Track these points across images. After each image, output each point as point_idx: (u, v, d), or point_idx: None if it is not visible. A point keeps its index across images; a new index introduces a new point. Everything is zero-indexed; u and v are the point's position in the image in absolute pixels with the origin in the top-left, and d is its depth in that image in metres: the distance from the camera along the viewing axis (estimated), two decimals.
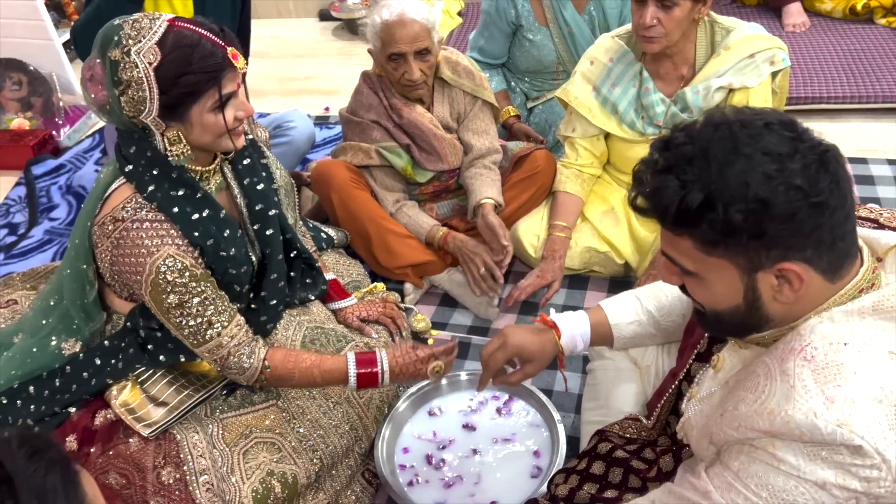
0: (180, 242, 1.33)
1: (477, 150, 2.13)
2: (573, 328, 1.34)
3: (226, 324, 1.38)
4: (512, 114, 2.52)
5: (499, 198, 2.06)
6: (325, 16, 4.11)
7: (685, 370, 1.23)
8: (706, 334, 1.18)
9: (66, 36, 3.28)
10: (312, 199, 2.36)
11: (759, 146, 0.83)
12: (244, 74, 1.38)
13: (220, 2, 2.23)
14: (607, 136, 2.07)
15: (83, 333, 1.48)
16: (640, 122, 1.97)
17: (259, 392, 1.50)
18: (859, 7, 3.33)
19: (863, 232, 0.99)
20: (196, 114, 1.30)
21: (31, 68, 3.08)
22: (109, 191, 1.36)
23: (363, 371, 1.44)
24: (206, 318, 1.36)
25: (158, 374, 1.46)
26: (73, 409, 1.45)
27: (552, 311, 1.40)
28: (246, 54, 2.49)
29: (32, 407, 1.45)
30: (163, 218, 1.33)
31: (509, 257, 1.98)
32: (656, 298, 1.36)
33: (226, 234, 1.40)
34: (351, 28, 3.89)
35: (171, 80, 1.25)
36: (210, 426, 1.43)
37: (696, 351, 1.20)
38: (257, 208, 1.50)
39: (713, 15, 1.91)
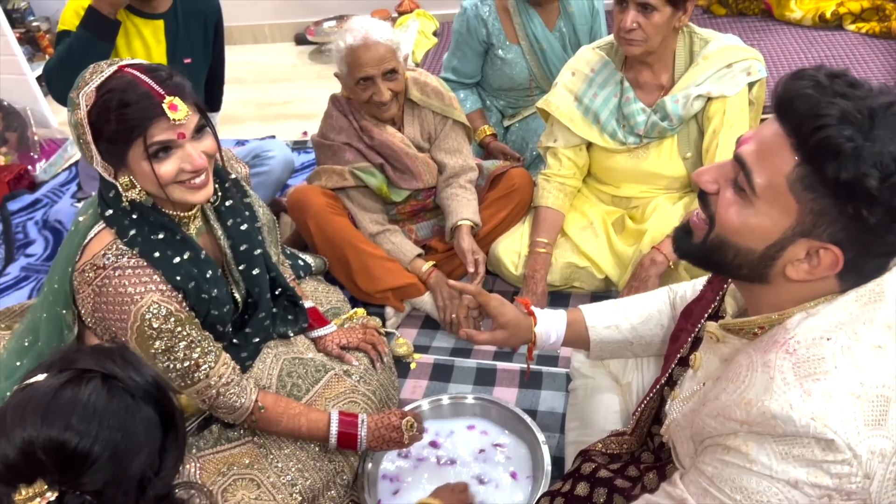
0: (164, 288, 1.32)
1: (451, 168, 2.13)
2: (549, 320, 1.35)
3: (213, 364, 1.37)
4: (488, 133, 2.53)
5: (475, 218, 2.06)
6: (301, 40, 4.13)
7: (667, 375, 1.22)
8: (689, 339, 1.16)
9: (41, 69, 3.26)
10: (291, 226, 2.35)
11: None
12: (204, 119, 1.31)
13: (192, 36, 2.23)
14: (589, 146, 2.08)
15: None
16: (621, 131, 1.99)
17: (236, 428, 1.48)
18: (828, 14, 3.37)
19: None
20: (132, 161, 1.26)
21: (5, 103, 3.07)
22: (90, 236, 1.34)
23: (344, 430, 1.46)
24: (193, 361, 1.35)
25: None
26: None
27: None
28: (219, 90, 2.49)
29: None
30: (145, 264, 1.31)
31: (478, 279, 1.98)
32: (635, 307, 1.36)
33: (207, 276, 1.39)
34: (324, 50, 3.91)
35: (99, 125, 1.23)
36: (187, 464, 1.41)
37: (678, 356, 1.20)
38: (242, 248, 1.49)
39: (692, 26, 1.94)
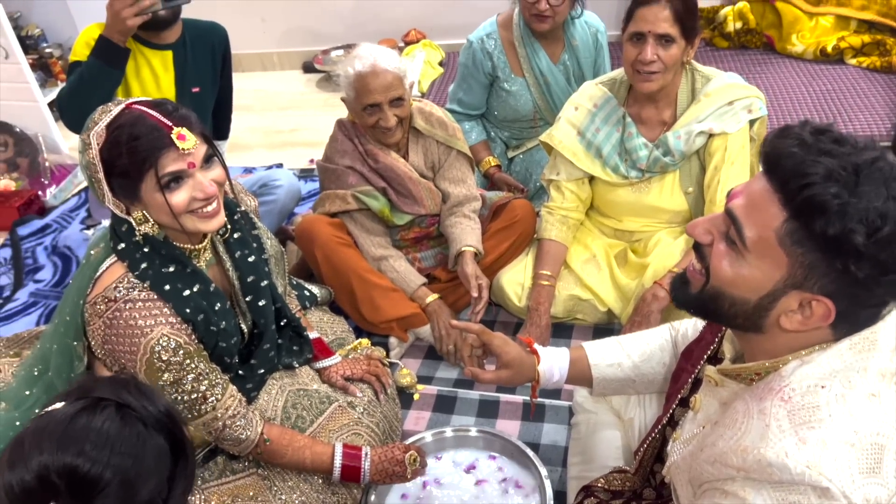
0: (174, 320, 1.34)
1: (455, 197, 2.16)
2: (552, 358, 1.37)
3: (220, 396, 1.39)
4: (493, 164, 2.56)
5: (479, 246, 2.09)
6: (308, 68, 4.18)
7: (668, 415, 1.23)
8: (690, 380, 1.18)
9: (53, 96, 3.32)
10: (297, 254, 2.37)
11: None
12: (212, 148, 1.34)
13: (200, 66, 2.27)
14: (591, 179, 2.10)
15: None
16: (623, 165, 2.01)
17: (241, 460, 1.50)
18: (829, 48, 3.42)
19: None
20: (145, 194, 1.29)
21: (17, 129, 3.12)
22: (101, 269, 1.36)
23: (348, 463, 1.47)
24: (200, 393, 1.36)
25: None
26: None
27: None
28: (227, 119, 2.53)
29: None
30: (155, 297, 1.33)
31: (482, 304, 2.00)
32: (638, 345, 1.37)
33: (216, 308, 1.41)
34: (333, 76, 3.96)
35: (111, 162, 1.26)
36: (192, 496, 1.42)
37: (679, 396, 1.21)
38: (249, 280, 1.51)
39: (694, 63, 1.97)
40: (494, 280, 2.13)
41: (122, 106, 1.28)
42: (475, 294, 1.99)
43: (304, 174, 3.12)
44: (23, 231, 2.84)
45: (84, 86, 2.01)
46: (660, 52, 1.81)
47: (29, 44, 3.76)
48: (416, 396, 1.96)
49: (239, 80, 4.22)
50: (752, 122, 1.96)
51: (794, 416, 0.85)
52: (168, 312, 1.34)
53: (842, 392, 0.85)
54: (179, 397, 1.35)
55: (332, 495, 1.50)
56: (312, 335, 1.74)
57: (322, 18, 4.17)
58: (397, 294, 2.09)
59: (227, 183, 1.40)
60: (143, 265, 1.34)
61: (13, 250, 2.75)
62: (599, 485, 1.37)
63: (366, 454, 1.48)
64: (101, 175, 1.28)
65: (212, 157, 1.34)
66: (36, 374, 1.53)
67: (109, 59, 2.03)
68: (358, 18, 4.15)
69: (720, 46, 3.74)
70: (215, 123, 2.46)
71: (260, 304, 1.52)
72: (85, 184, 3.10)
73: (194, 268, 1.40)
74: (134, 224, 1.32)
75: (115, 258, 1.36)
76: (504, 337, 1.39)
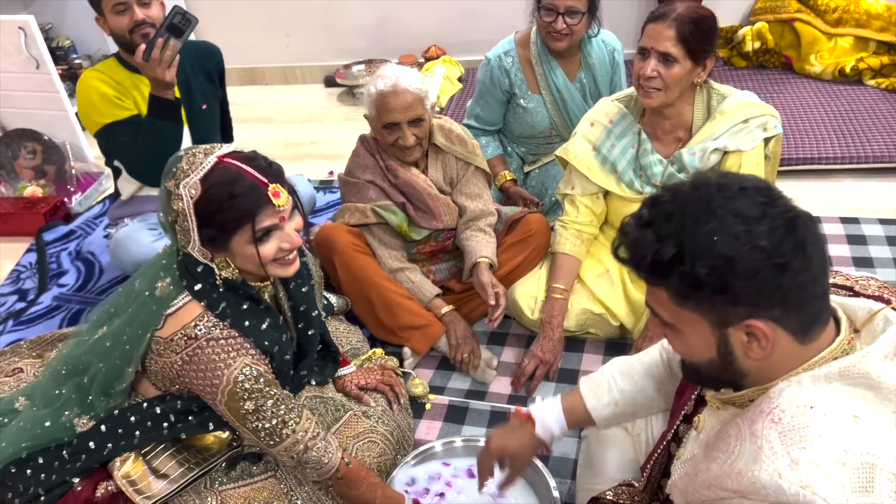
0: (254, 352, 1.39)
1: (471, 212, 2.19)
2: (547, 416, 1.37)
3: (298, 420, 1.42)
4: (508, 178, 2.59)
5: (494, 258, 2.12)
6: (330, 82, 4.24)
7: (673, 431, 1.25)
8: (693, 397, 1.20)
9: None
10: (316, 262, 2.41)
11: (732, 208, 0.88)
12: (296, 200, 1.40)
13: (203, 86, 2.34)
14: (606, 194, 2.12)
15: (97, 411, 1.51)
16: (638, 181, 2.03)
17: (258, 464, 1.52)
18: (848, 69, 3.42)
19: (841, 300, 1.02)
20: (235, 245, 1.34)
21: (46, 137, 3.19)
22: (175, 306, 1.39)
23: None
24: (280, 418, 1.40)
25: (161, 446, 1.49)
26: (76, 480, 1.47)
27: (538, 398, 1.43)
28: (230, 126, 2.57)
29: (42, 476, 1.47)
30: (236, 334, 1.38)
31: (499, 311, 2.02)
32: (630, 377, 1.37)
33: (284, 339, 1.46)
34: (355, 94, 4.02)
35: (207, 217, 1.30)
36: (208, 498, 1.45)
37: (683, 412, 1.23)
38: (301, 309, 1.56)
39: (710, 81, 1.99)
40: (508, 293, 2.15)
41: (215, 159, 1.31)
42: (492, 302, 2.01)
43: (324, 186, 3.17)
44: (48, 236, 2.91)
45: (156, 146, 2.04)
46: (660, 69, 1.83)
47: (59, 54, 3.85)
48: (427, 406, 1.98)
49: (261, 93, 4.32)
50: (767, 140, 1.97)
51: (785, 437, 0.87)
52: (248, 346, 1.39)
53: (829, 413, 0.88)
54: (260, 425, 1.39)
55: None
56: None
57: (344, 34, 4.24)
58: (413, 303, 2.12)
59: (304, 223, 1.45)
60: (223, 305, 1.38)
61: (38, 255, 2.82)
62: (608, 497, 1.38)
63: None
64: (193, 226, 1.31)
65: (294, 208, 1.39)
66: (64, 373, 1.57)
67: (169, 115, 2.06)
68: (379, 34, 4.21)
69: (738, 66, 3.75)
70: (223, 133, 2.52)
71: (310, 332, 1.57)
72: (109, 191, 3.16)
73: (267, 304, 1.45)
74: (216, 269, 1.36)
75: (190, 297, 1.38)
76: (497, 438, 1.39)
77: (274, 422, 1.39)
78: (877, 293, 1.12)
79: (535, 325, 2.12)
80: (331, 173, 3.26)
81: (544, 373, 2.02)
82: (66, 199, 3.13)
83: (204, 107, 2.33)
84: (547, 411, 1.37)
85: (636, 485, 1.37)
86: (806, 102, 3.31)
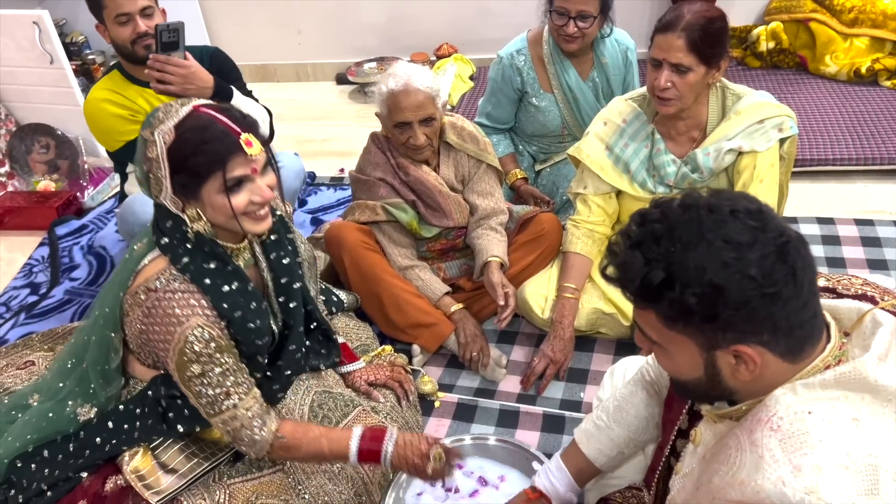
0: (209, 313, 1.38)
1: (482, 210, 2.19)
2: (559, 487, 1.37)
3: (243, 396, 1.41)
4: (519, 176, 2.58)
5: (504, 257, 2.11)
6: (342, 80, 4.25)
7: (670, 445, 1.24)
8: (685, 410, 1.19)
9: None
10: (325, 260, 2.41)
11: (722, 233, 0.87)
12: (270, 155, 1.40)
13: None
14: (619, 193, 2.11)
15: (99, 398, 1.52)
16: (651, 181, 2.02)
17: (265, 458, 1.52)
18: (863, 70, 3.39)
19: (827, 303, 1.00)
20: (206, 195, 1.35)
21: (59, 132, 3.21)
22: (144, 262, 1.42)
23: (366, 448, 1.42)
24: (224, 389, 1.39)
25: (170, 440, 1.49)
26: (84, 475, 1.48)
27: (539, 469, 1.43)
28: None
29: (46, 471, 1.48)
30: (194, 289, 1.38)
31: (508, 311, 2.01)
32: (625, 419, 1.36)
33: (252, 307, 1.45)
34: (367, 92, 4.02)
35: (180, 161, 1.32)
36: (217, 492, 1.45)
37: (676, 427, 1.22)
38: (283, 281, 1.55)
39: (724, 81, 1.97)
40: (518, 291, 2.15)
41: (190, 108, 1.34)
42: (501, 302, 2.00)
43: (334, 182, 3.17)
44: (60, 231, 2.93)
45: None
46: (674, 80, 1.82)
47: (73, 50, 3.87)
48: (437, 404, 1.97)
49: (273, 90, 4.32)
50: (782, 141, 1.96)
51: (785, 444, 0.86)
52: (205, 305, 1.38)
53: (828, 417, 0.87)
54: (204, 390, 1.38)
55: (355, 497, 1.53)
56: (339, 340, 1.77)
57: (357, 31, 4.24)
58: (423, 301, 2.11)
59: (279, 188, 1.45)
60: (185, 259, 1.38)
61: (51, 249, 2.84)
62: (616, 499, 1.38)
63: (391, 434, 1.43)
64: (166, 173, 1.32)
65: (268, 163, 1.40)
66: (69, 366, 1.58)
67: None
68: (391, 32, 4.21)
69: (752, 66, 3.73)
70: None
71: (291, 305, 1.56)
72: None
73: (235, 266, 1.44)
74: (187, 221, 1.37)
75: (158, 252, 1.41)
76: None
77: (218, 391, 1.38)
78: (860, 292, 1.12)
79: (546, 324, 2.12)
80: (341, 170, 3.27)
81: (554, 372, 2.01)
82: (78, 194, 3.15)
83: None
84: (557, 482, 1.37)
85: (644, 492, 1.37)
86: (820, 103, 3.29)
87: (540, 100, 2.52)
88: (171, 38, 1.95)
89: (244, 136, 1.33)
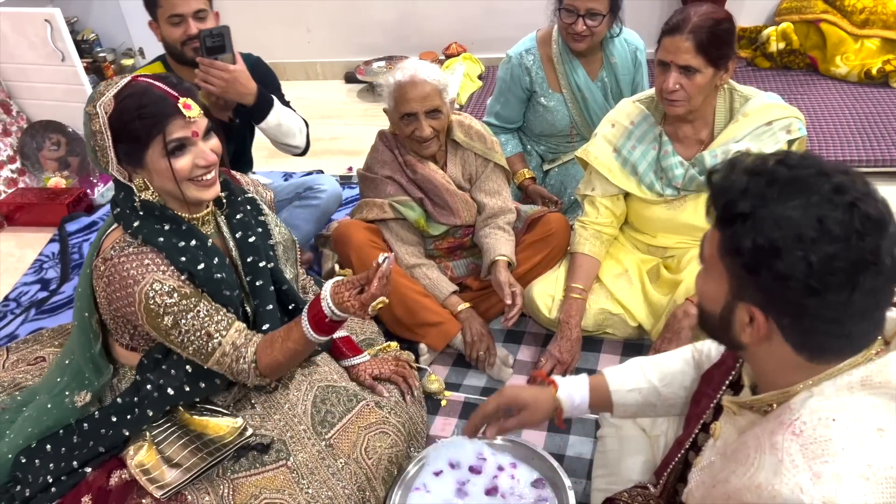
0: (165, 268, 1.40)
1: (490, 209, 2.19)
2: (570, 385, 1.37)
3: (224, 332, 1.43)
4: (527, 175, 2.58)
5: (512, 256, 2.11)
6: (350, 78, 4.26)
7: (691, 439, 1.23)
8: (711, 405, 1.18)
9: None
10: (333, 259, 2.42)
11: (822, 211, 0.83)
12: (211, 121, 1.44)
13: None
14: (626, 195, 2.11)
15: (94, 386, 1.55)
16: (658, 183, 2.02)
17: (269, 453, 1.53)
18: (874, 71, 3.37)
19: None
20: (149, 160, 1.38)
21: (70, 129, 3.23)
22: (103, 239, 1.46)
23: (313, 316, 1.41)
24: (204, 331, 1.41)
25: (174, 435, 1.50)
26: (88, 469, 1.49)
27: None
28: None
29: (51, 465, 1.49)
30: (147, 249, 1.41)
31: (515, 311, 2.01)
32: (659, 369, 1.37)
33: (215, 261, 1.46)
34: (375, 90, 4.03)
35: (121, 129, 1.35)
36: (221, 487, 1.46)
37: (701, 421, 1.22)
38: (249, 260, 1.56)
39: (732, 83, 1.97)
40: (526, 291, 2.15)
41: (128, 78, 1.38)
42: (508, 301, 2.01)
43: (343, 181, 3.18)
44: (71, 227, 2.95)
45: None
46: (682, 82, 1.83)
47: (84, 48, 3.89)
48: (443, 403, 1.97)
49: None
50: (790, 143, 1.95)
51: (806, 451, 0.85)
52: (159, 261, 1.40)
53: (852, 426, 0.86)
54: (185, 339, 1.40)
55: (358, 491, 1.53)
56: (342, 334, 1.78)
57: (366, 30, 4.25)
58: (430, 300, 2.12)
59: (223, 152, 1.50)
60: (136, 223, 1.41)
61: (61, 245, 2.85)
62: (623, 499, 1.38)
63: (324, 296, 1.40)
64: (109, 142, 1.36)
65: (210, 129, 1.44)
66: (67, 362, 1.61)
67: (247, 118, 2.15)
68: (400, 31, 4.22)
69: (762, 66, 3.71)
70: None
71: (258, 283, 1.56)
72: None
73: (190, 226, 1.46)
74: (134, 190, 1.41)
75: (116, 225, 1.44)
76: (510, 389, 1.39)
77: (198, 335, 1.40)
78: None
79: (553, 324, 2.12)
80: (350, 169, 3.27)
81: (562, 373, 2.01)
82: (88, 191, 3.17)
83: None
84: (571, 381, 1.38)
85: (651, 489, 1.36)
86: (831, 104, 3.27)
87: (549, 99, 2.51)
88: (215, 42, 1.99)
89: (182, 100, 1.36)
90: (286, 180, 2.88)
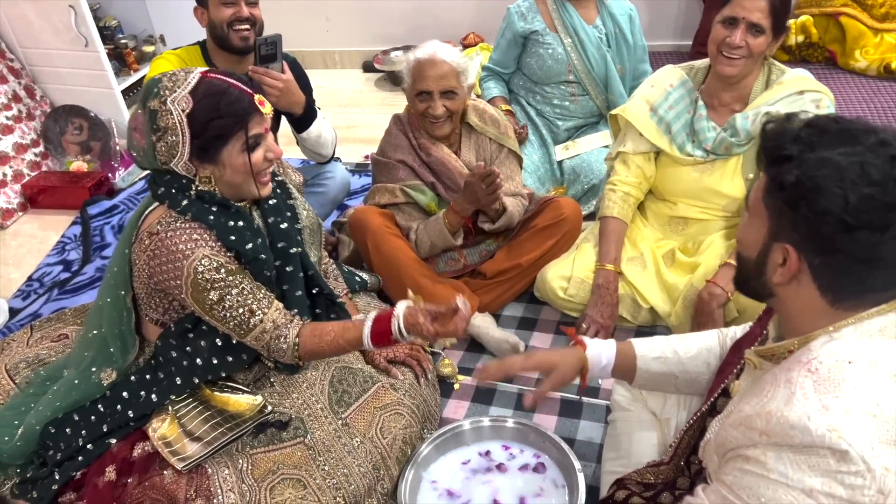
0: (213, 244, 1.43)
1: (502, 193, 2.21)
2: (598, 345, 1.40)
3: (266, 309, 1.47)
4: (504, 108, 2.77)
5: (511, 207, 2.17)
6: (368, 67, 4.28)
7: (710, 404, 1.26)
8: (735, 370, 1.21)
9: (127, 84, 3.49)
10: (349, 245, 2.45)
11: (866, 158, 0.88)
12: (278, 122, 1.49)
13: None
14: (657, 157, 2.14)
15: (119, 363, 1.58)
16: (690, 144, 2.06)
17: (287, 430, 1.57)
18: (894, 65, 3.35)
19: None
20: (226, 155, 1.42)
21: (92, 114, 3.28)
22: (144, 216, 1.48)
23: (378, 330, 1.46)
24: (247, 308, 1.44)
25: (196, 410, 1.54)
26: (113, 441, 1.53)
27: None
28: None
29: (83, 432, 1.53)
30: (196, 225, 1.43)
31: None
32: (685, 342, 1.41)
33: (259, 242, 1.49)
34: (393, 79, 4.05)
35: (201, 125, 1.37)
36: (240, 461, 1.50)
37: (722, 385, 1.24)
38: (279, 245, 1.58)
39: (771, 59, 2.03)
40: (539, 274, 2.17)
41: (198, 76, 1.40)
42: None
43: (360, 169, 3.21)
44: (92, 210, 3.00)
45: None
46: (748, 39, 1.88)
47: (106, 34, 3.92)
48: (456, 386, 2.00)
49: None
50: None
51: (819, 386, 0.89)
52: (208, 238, 1.43)
53: (867, 370, 0.89)
54: (228, 314, 1.43)
55: (373, 469, 1.56)
56: (359, 317, 1.80)
57: (384, 20, 4.27)
58: (444, 285, 2.14)
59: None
60: (185, 202, 1.44)
61: (83, 228, 2.91)
62: (632, 478, 1.40)
63: (396, 315, 1.45)
64: (186, 138, 1.38)
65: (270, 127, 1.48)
66: (91, 336, 1.64)
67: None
68: (419, 21, 4.23)
69: (781, 59, 3.66)
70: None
71: (287, 269, 1.58)
72: None
73: (238, 208, 1.49)
74: (198, 183, 1.43)
75: (157, 203, 1.47)
76: (542, 352, 1.43)
77: (241, 310, 1.44)
78: None
79: (566, 305, 2.13)
80: (367, 157, 3.30)
81: (604, 337, 2.00)
82: (110, 175, 3.22)
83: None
84: (599, 342, 1.41)
85: (662, 462, 1.38)
86: (849, 98, 3.26)
87: (545, 37, 2.68)
88: (268, 50, 2.04)
89: (257, 97, 1.41)
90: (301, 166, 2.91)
